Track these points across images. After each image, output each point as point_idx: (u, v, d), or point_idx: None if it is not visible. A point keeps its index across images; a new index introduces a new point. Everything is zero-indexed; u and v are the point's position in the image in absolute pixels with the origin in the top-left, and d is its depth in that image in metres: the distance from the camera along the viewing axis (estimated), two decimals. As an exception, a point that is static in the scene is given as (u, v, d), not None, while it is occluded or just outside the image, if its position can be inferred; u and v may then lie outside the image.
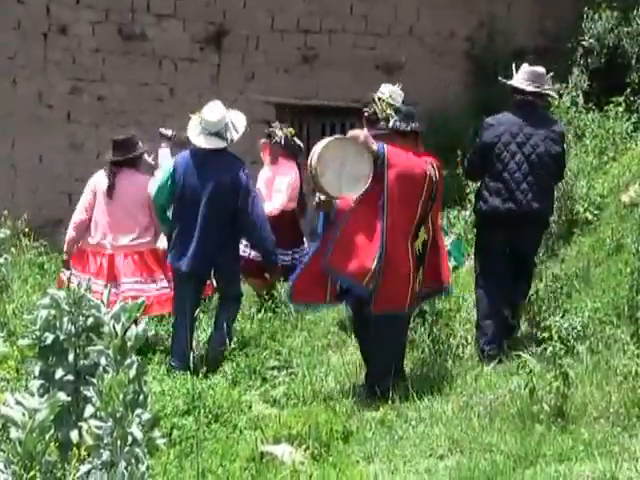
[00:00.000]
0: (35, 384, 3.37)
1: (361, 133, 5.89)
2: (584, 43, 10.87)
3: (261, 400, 5.99)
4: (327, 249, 5.83)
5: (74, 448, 3.25)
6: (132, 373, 3.13)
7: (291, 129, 8.54)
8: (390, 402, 5.63)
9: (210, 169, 6.54)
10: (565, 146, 6.86)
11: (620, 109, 9.49)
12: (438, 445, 5.02)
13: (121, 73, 12.40)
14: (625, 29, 10.86)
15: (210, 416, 5.53)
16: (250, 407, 5.82)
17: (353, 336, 6.71)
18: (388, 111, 5.95)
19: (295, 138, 8.43)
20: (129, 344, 3.21)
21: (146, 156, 7.84)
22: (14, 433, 2.89)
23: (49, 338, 3.42)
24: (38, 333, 3.45)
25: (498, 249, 6.47)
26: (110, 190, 7.00)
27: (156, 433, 3.26)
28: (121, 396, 3.06)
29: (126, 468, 2.99)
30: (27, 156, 12.24)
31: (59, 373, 3.38)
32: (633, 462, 4.54)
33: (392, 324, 5.82)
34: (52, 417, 2.95)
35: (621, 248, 7.19)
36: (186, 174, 6.57)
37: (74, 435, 3.31)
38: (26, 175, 12.24)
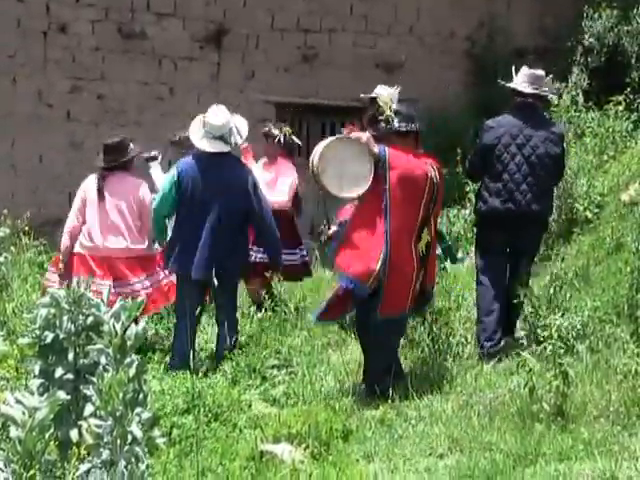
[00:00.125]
0: (35, 383, 3.37)
1: (363, 134, 5.90)
2: (584, 42, 10.88)
3: (261, 399, 5.98)
4: (332, 249, 5.85)
5: (74, 447, 3.25)
6: (132, 372, 3.13)
7: (288, 128, 8.49)
8: (390, 401, 5.63)
9: (217, 173, 6.46)
10: (565, 147, 6.89)
11: (620, 108, 9.51)
12: (438, 444, 5.02)
13: (121, 72, 12.41)
14: (625, 28, 10.89)
15: (210, 415, 5.52)
16: (250, 406, 5.82)
17: (354, 335, 6.72)
18: (388, 112, 5.95)
19: (293, 136, 8.38)
20: (129, 343, 3.21)
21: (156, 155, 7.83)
22: (14, 432, 2.89)
23: (49, 337, 3.42)
24: (38, 332, 3.45)
25: (498, 249, 6.51)
26: (100, 193, 6.98)
27: (156, 432, 3.26)
28: (121, 395, 3.06)
29: (126, 467, 2.99)
30: (27, 155, 12.25)
31: (59, 372, 3.38)
32: (633, 461, 4.54)
33: (392, 326, 5.85)
34: (52, 416, 2.95)
35: (621, 247, 7.20)
36: (193, 179, 6.45)
37: (74, 434, 3.32)
38: (26, 174, 12.25)
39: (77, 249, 7.00)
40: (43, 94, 12.41)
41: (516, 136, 6.40)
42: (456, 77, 12.54)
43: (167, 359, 6.57)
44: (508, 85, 6.64)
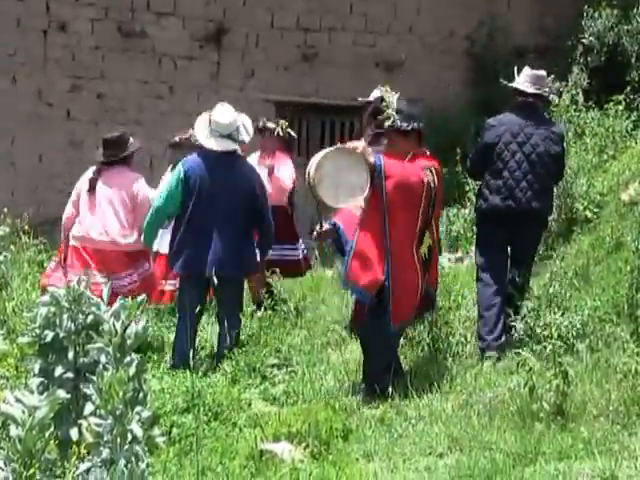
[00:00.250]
0: (35, 382, 3.37)
1: (359, 144, 5.91)
2: (584, 41, 10.87)
3: (261, 398, 5.98)
4: (344, 265, 5.87)
5: (74, 446, 3.26)
6: (132, 371, 3.14)
7: (283, 120, 8.48)
8: (390, 400, 5.63)
9: (224, 173, 6.41)
10: (564, 147, 6.92)
11: (620, 107, 9.51)
12: (438, 443, 5.02)
13: (121, 71, 12.41)
14: (625, 27, 10.88)
15: (210, 414, 5.51)
16: (250, 405, 5.81)
17: (354, 335, 6.73)
18: (389, 111, 5.94)
19: (289, 129, 8.36)
20: (129, 342, 3.21)
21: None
22: (14, 431, 2.89)
23: (49, 336, 3.43)
24: (38, 331, 3.45)
25: (498, 246, 6.53)
26: (92, 185, 6.95)
27: (156, 431, 3.26)
28: (121, 394, 3.06)
29: (126, 466, 2.99)
30: (27, 154, 12.26)
31: (59, 371, 3.39)
32: (633, 460, 4.54)
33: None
34: (52, 415, 2.94)
35: (621, 246, 7.20)
36: (200, 178, 6.38)
37: (74, 433, 3.32)
38: (26, 173, 12.26)
39: (72, 242, 7.00)
40: (43, 93, 12.41)
41: (517, 134, 6.44)
42: (456, 76, 12.54)
43: (167, 358, 6.57)
44: (510, 85, 6.68)
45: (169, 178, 6.74)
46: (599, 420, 5.03)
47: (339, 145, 5.92)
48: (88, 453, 3.14)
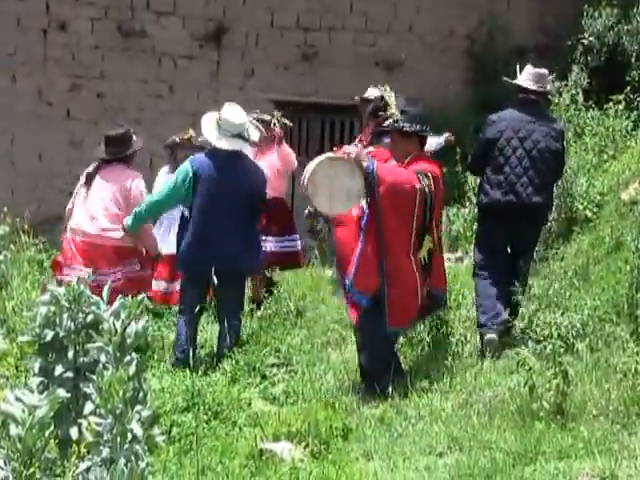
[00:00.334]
0: (35, 381, 3.37)
1: (353, 149, 5.90)
2: (584, 41, 10.86)
3: (260, 397, 5.98)
4: (350, 272, 5.86)
5: (74, 445, 3.25)
6: (132, 370, 3.13)
7: (276, 111, 8.50)
8: (389, 399, 5.64)
9: (232, 173, 6.42)
10: (565, 144, 6.95)
11: (620, 107, 9.50)
12: (437, 442, 5.02)
13: (120, 70, 12.41)
14: (625, 27, 10.87)
15: (209, 413, 5.52)
16: (249, 404, 5.82)
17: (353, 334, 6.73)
18: (391, 110, 5.94)
19: (284, 119, 8.37)
20: (129, 341, 3.21)
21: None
22: (14, 430, 2.89)
23: (49, 335, 3.42)
24: (38, 330, 3.45)
25: (499, 242, 6.57)
26: (88, 180, 6.93)
27: (156, 430, 3.26)
28: (121, 393, 3.05)
29: (126, 465, 2.99)
30: (26, 153, 12.26)
31: (59, 370, 3.38)
32: (632, 460, 4.54)
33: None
34: (52, 414, 2.94)
35: (620, 246, 7.20)
36: (209, 177, 6.39)
37: (74, 432, 3.32)
38: (25, 172, 12.26)
39: (67, 234, 6.99)
40: (43, 92, 12.42)
41: (518, 130, 6.49)
42: (456, 76, 12.52)
43: (167, 357, 6.57)
44: (513, 82, 6.71)
45: (174, 175, 6.69)
46: (599, 420, 5.03)
47: (330, 154, 5.88)
48: (88, 452, 3.14)
